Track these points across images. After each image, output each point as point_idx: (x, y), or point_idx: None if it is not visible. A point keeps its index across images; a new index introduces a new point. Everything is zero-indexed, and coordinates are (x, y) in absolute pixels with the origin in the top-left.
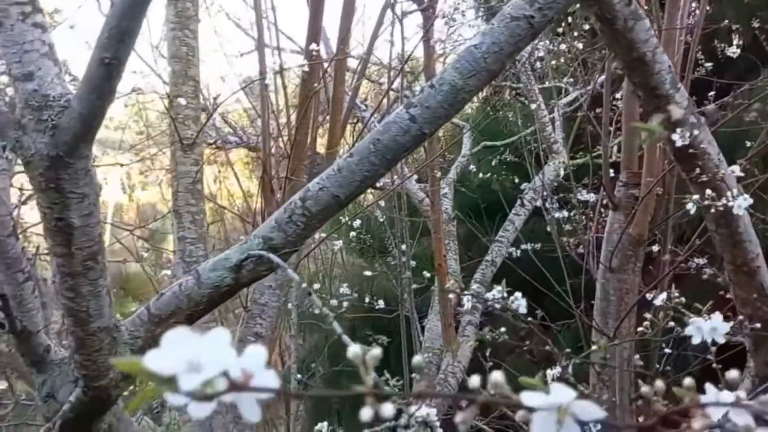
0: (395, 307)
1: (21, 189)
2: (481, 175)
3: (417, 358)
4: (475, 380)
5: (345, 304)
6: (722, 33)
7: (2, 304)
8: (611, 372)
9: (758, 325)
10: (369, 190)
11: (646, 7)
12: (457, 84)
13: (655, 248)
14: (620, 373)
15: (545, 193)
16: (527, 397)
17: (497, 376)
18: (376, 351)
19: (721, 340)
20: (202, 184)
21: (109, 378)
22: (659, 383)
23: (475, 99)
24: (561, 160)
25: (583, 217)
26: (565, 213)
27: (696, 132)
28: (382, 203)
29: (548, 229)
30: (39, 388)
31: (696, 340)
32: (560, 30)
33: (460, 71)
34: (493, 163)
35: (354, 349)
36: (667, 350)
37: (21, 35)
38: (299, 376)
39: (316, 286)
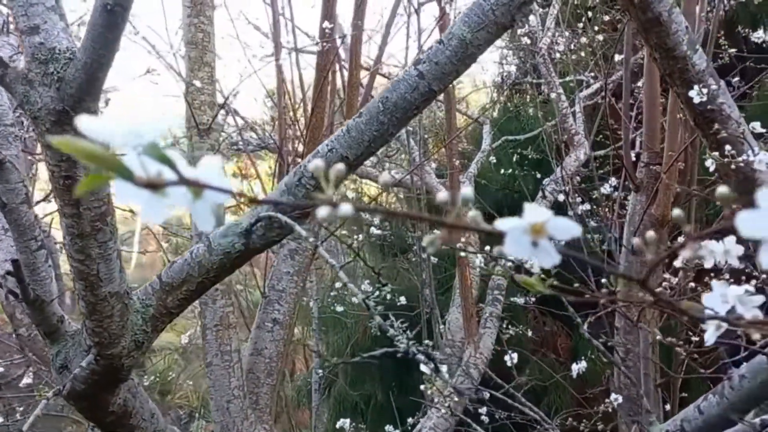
0: (417, 303)
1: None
2: (503, 171)
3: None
4: (441, 196)
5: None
6: (746, 19)
7: (14, 269)
8: (635, 358)
9: None
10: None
11: None
12: (466, 38)
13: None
14: (644, 356)
15: (567, 187)
16: (500, 222)
17: (468, 191)
18: (341, 165)
19: (736, 263)
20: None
21: (121, 346)
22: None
23: (486, 89)
24: (583, 151)
25: (607, 210)
26: (588, 206)
27: (715, 90)
28: (388, 195)
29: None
30: (53, 360)
31: (708, 264)
32: (581, 24)
33: (469, 24)
34: (515, 159)
35: (316, 162)
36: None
37: None
38: (321, 371)
39: (339, 284)
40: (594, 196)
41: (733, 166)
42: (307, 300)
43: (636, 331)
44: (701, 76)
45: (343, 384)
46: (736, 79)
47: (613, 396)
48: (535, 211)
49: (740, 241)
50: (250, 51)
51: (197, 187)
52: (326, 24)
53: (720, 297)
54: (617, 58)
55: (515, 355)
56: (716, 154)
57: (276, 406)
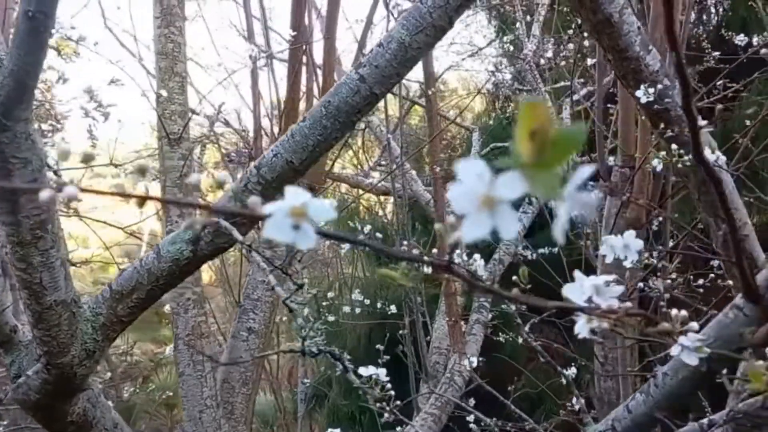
0: (408, 312)
1: None
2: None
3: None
4: (219, 175)
5: (357, 310)
6: (735, 23)
7: None
8: (614, 362)
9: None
10: (376, 196)
11: None
12: (405, 40)
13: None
14: (622, 361)
15: None
16: (268, 207)
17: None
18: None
19: (635, 257)
20: None
21: (71, 355)
22: None
23: (481, 101)
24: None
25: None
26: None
27: (669, 91)
28: (390, 207)
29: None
30: (8, 369)
31: (609, 259)
32: (570, 32)
33: (407, 27)
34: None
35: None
36: None
37: None
38: (307, 380)
39: (331, 294)
40: None
41: (680, 166)
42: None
43: (614, 335)
44: (655, 77)
45: (338, 394)
46: (720, 82)
47: (574, 400)
48: (296, 194)
49: (639, 235)
50: (237, 59)
51: None
52: (291, 32)
53: (579, 287)
54: (590, 62)
55: (474, 359)
56: (663, 153)
57: (261, 418)
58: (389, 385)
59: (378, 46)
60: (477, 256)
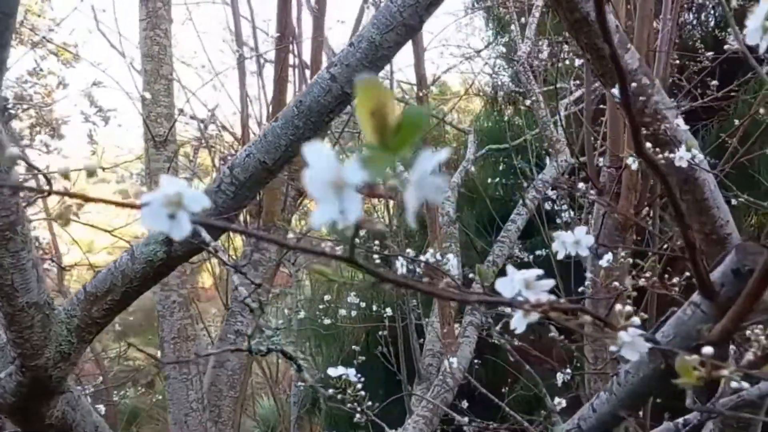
0: (403, 315)
1: None
2: (490, 180)
3: None
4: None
5: (353, 313)
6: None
7: None
8: (604, 362)
9: None
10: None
11: None
12: (376, 39)
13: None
14: (611, 361)
15: (554, 194)
16: (144, 196)
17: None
18: None
19: (585, 253)
20: None
21: (45, 357)
22: None
23: (481, 103)
24: (563, 158)
25: (589, 215)
26: (570, 214)
27: (646, 91)
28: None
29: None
30: None
31: (560, 255)
32: (566, 33)
33: (378, 27)
34: (501, 168)
35: None
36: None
37: None
38: (301, 384)
39: (327, 297)
40: (579, 206)
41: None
42: (291, 314)
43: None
44: (633, 75)
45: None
46: (714, 82)
47: (557, 399)
48: (171, 183)
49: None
50: (230, 61)
51: None
52: (276, 33)
53: (510, 281)
54: (577, 62)
55: (455, 360)
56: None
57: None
58: (360, 386)
59: (349, 46)
60: (450, 255)
